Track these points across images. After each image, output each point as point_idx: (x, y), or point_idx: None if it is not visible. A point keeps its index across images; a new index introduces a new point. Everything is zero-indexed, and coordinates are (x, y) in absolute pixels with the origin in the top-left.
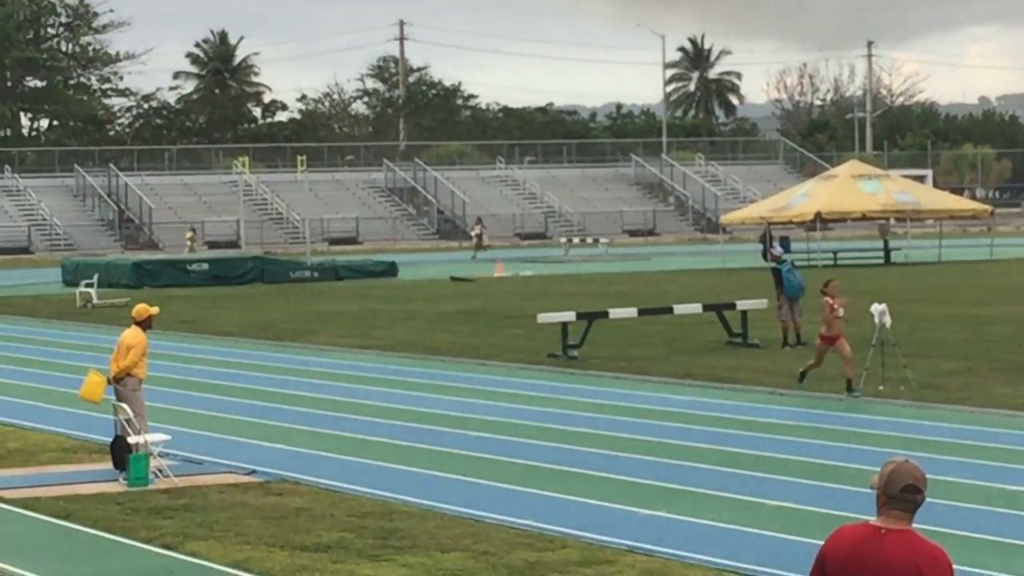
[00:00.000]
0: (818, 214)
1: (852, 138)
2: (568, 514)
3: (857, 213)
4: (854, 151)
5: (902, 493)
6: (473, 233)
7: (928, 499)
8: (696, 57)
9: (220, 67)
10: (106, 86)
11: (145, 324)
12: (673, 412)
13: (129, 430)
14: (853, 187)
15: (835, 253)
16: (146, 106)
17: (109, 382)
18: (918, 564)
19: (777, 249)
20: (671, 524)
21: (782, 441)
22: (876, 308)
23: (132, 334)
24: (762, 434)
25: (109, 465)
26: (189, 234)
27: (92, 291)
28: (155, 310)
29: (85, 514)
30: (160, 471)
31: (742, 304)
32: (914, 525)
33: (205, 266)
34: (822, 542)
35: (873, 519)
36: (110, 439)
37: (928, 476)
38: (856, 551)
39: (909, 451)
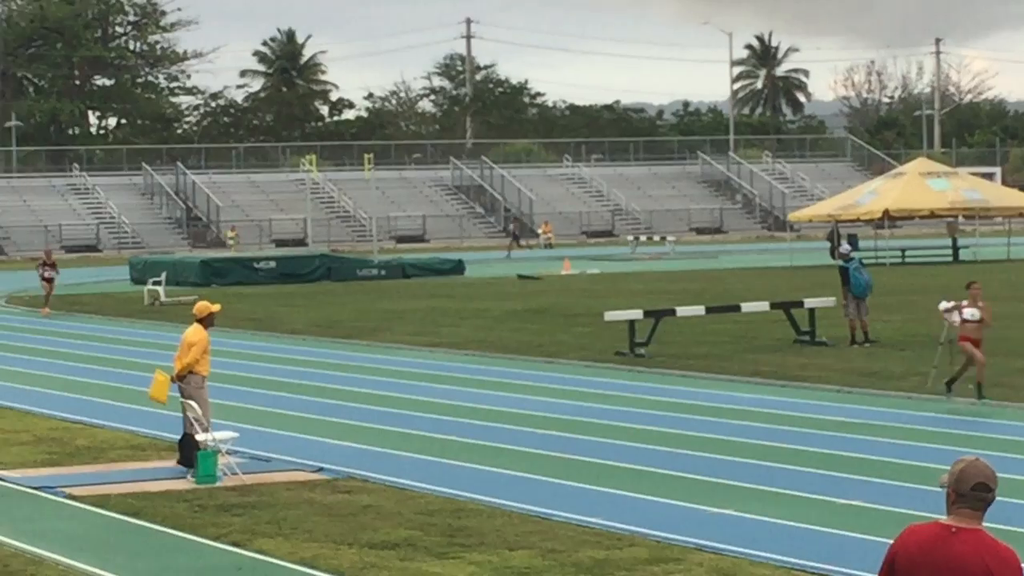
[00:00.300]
0: (886, 212)
1: (920, 135)
2: (636, 512)
3: (925, 211)
4: (922, 149)
5: (972, 491)
6: (511, 232)
7: (998, 498)
8: (763, 54)
9: (287, 65)
10: (174, 84)
11: (207, 321)
12: (740, 410)
13: (197, 428)
14: (921, 185)
15: (903, 251)
16: (213, 104)
17: (173, 380)
18: (987, 564)
19: (845, 247)
20: (739, 522)
21: (850, 439)
22: (944, 306)
23: (193, 331)
24: (830, 432)
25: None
26: (231, 233)
27: (160, 289)
28: (216, 307)
29: (154, 511)
30: (228, 468)
31: (810, 302)
32: (984, 524)
33: (273, 264)
34: (891, 541)
35: (943, 518)
36: (178, 436)
37: (998, 474)
38: (926, 550)
39: (978, 449)
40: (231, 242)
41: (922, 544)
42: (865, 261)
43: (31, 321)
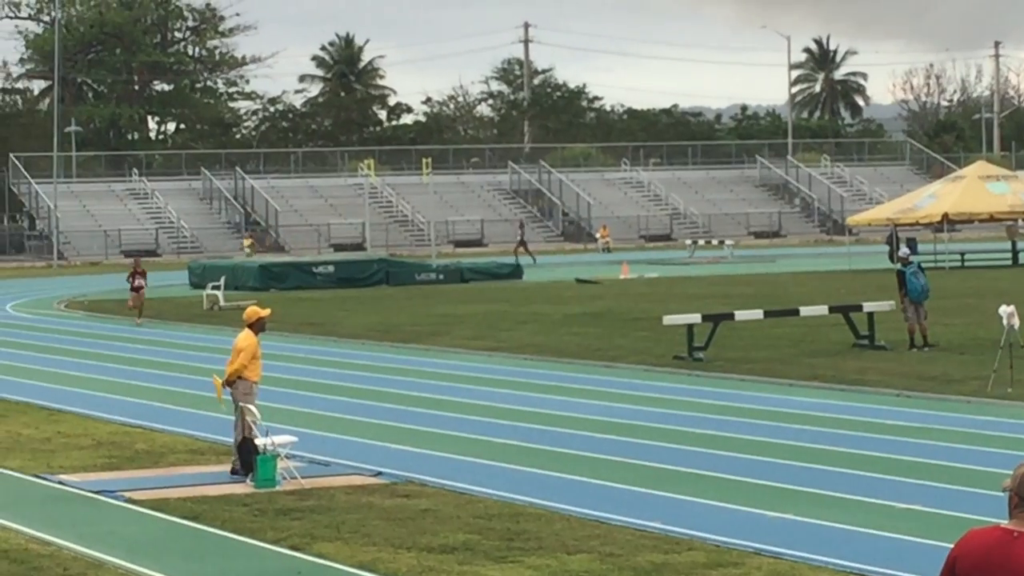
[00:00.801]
0: (945, 215)
1: (979, 139)
2: (695, 516)
3: (984, 214)
4: (981, 152)
5: None
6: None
7: None
8: (821, 58)
9: (345, 70)
10: (232, 89)
11: (256, 327)
12: (800, 414)
13: (256, 431)
14: (980, 188)
15: (962, 255)
16: (272, 109)
17: (224, 385)
18: None
19: (904, 251)
20: (798, 526)
21: (910, 443)
22: (1004, 310)
23: (242, 337)
24: (890, 436)
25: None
26: (247, 240)
27: (219, 293)
28: (266, 312)
29: (213, 515)
30: (287, 473)
31: (869, 306)
32: None
33: (331, 268)
34: (951, 545)
35: (1005, 522)
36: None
37: None
38: (987, 555)
39: None
40: (248, 251)
41: (983, 548)
42: (924, 265)
43: (89, 326)
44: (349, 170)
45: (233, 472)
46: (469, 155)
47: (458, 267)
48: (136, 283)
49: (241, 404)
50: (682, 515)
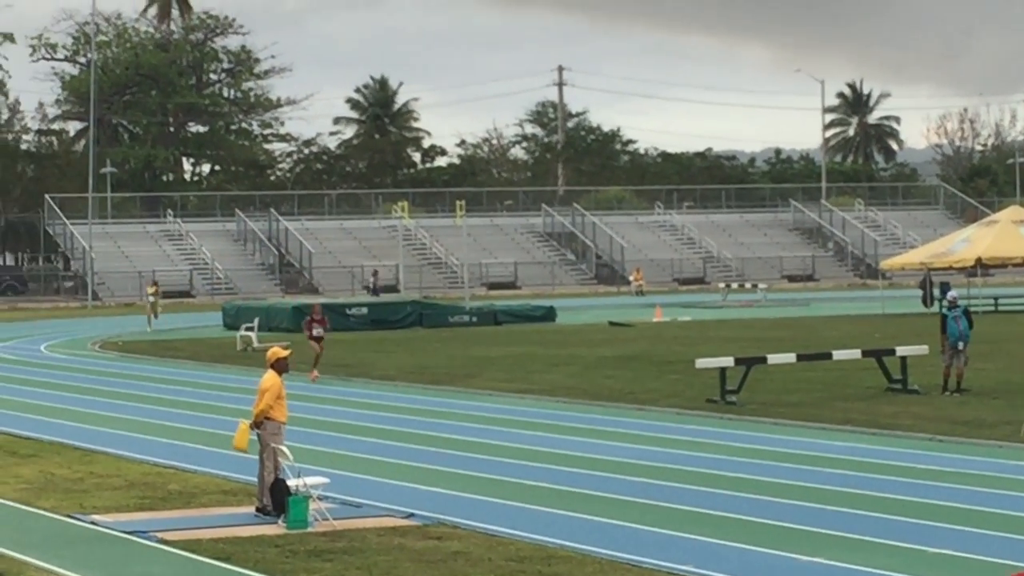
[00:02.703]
0: (979, 260)
1: (1013, 183)
2: (727, 560)
3: (1018, 259)
4: (1015, 196)
5: None
6: None
7: None
8: (855, 102)
9: (380, 112)
10: (267, 131)
11: (279, 367)
12: (831, 458)
13: (288, 473)
14: (1014, 232)
15: (996, 299)
16: (307, 151)
17: (251, 427)
18: None
19: (952, 294)
20: (830, 571)
21: (943, 488)
22: None
23: (267, 378)
24: (922, 481)
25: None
26: (151, 288)
27: (252, 335)
28: (286, 353)
29: (245, 556)
30: (319, 514)
31: (902, 350)
32: None
33: (364, 310)
34: None
35: None
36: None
37: None
38: None
39: None
40: (152, 299)
41: None
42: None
43: (123, 366)
44: (383, 212)
45: (258, 512)
46: (503, 197)
47: (491, 309)
48: (316, 332)
49: (273, 446)
50: (714, 558)
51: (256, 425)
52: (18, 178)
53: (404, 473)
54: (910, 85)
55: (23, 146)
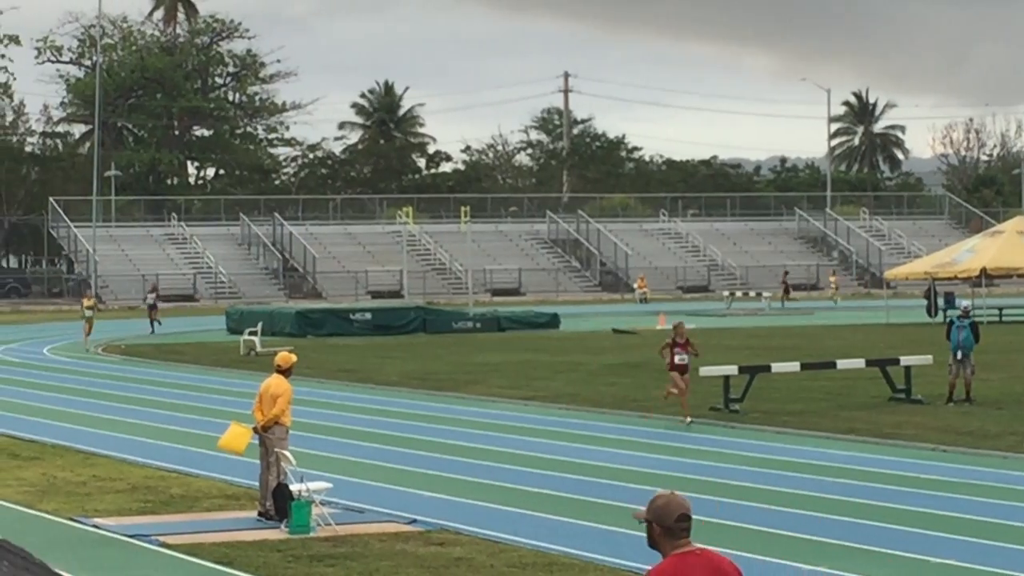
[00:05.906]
0: (983, 270)
1: (1018, 193)
2: None
3: (1023, 269)
4: (1020, 207)
5: None
6: None
7: None
8: (861, 111)
9: (385, 118)
10: (272, 136)
11: (288, 372)
12: (835, 467)
13: (291, 478)
14: (1019, 243)
15: (1000, 309)
16: (311, 156)
17: (256, 431)
18: None
19: (965, 304)
20: None
21: (947, 498)
22: None
23: (277, 382)
24: (926, 491)
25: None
26: (88, 302)
27: (256, 339)
28: (295, 358)
29: (247, 561)
30: (322, 519)
31: (906, 360)
32: None
33: (368, 316)
34: None
35: None
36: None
37: None
38: None
39: None
40: (87, 312)
41: None
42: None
43: (126, 369)
44: (387, 217)
45: (260, 516)
46: (507, 204)
47: (495, 316)
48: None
49: (278, 450)
50: None
51: (264, 429)
52: (22, 180)
53: (407, 479)
54: (915, 95)
55: (28, 148)
